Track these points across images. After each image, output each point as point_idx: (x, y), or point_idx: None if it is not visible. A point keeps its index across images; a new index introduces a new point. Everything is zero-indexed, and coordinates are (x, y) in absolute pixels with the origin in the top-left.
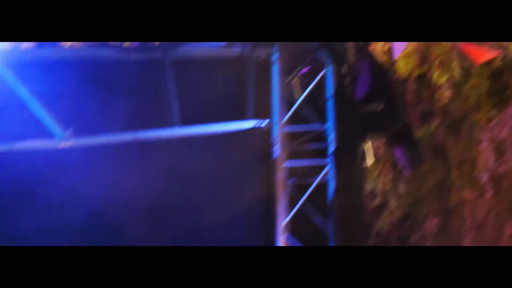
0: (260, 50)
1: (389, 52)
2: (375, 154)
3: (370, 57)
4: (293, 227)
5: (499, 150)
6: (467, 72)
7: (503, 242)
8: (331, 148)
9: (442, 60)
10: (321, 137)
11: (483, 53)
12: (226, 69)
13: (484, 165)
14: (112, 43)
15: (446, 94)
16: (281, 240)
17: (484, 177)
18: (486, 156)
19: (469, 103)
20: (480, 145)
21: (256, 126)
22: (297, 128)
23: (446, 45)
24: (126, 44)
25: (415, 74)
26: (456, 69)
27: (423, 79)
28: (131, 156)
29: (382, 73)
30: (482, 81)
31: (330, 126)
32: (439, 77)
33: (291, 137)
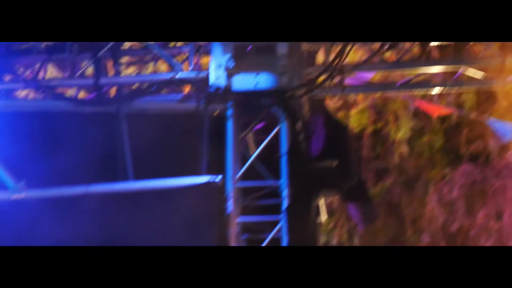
0: (215, 105)
1: (343, 107)
2: (330, 208)
3: (325, 113)
4: None
5: (451, 209)
6: (421, 128)
7: None
8: (285, 204)
9: (398, 116)
10: (275, 193)
11: (439, 109)
12: (181, 123)
13: (436, 223)
14: (67, 95)
15: (401, 150)
16: None
17: (436, 235)
18: (438, 214)
19: (423, 160)
20: (432, 203)
21: (210, 181)
22: (251, 183)
23: (402, 101)
24: (81, 95)
25: (370, 130)
26: (411, 125)
27: (378, 135)
28: (83, 209)
29: (337, 129)
30: (437, 138)
31: (283, 182)
32: (394, 133)
33: (245, 193)
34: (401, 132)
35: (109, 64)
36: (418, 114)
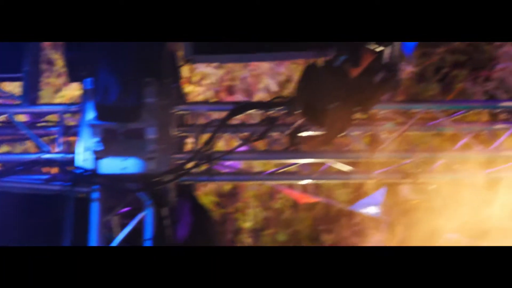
0: (81, 187)
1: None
2: None
3: (192, 199)
4: None
5: None
6: (286, 215)
7: None
8: None
9: (261, 202)
10: None
11: (305, 197)
12: (45, 204)
13: None
14: None
15: (265, 237)
16: None
17: None
18: None
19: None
20: None
21: None
22: None
23: (267, 187)
24: None
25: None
26: (274, 212)
27: (240, 220)
28: None
29: (203, 214)
30: (302, 226)
31: None
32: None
33: None
34: (262, 218)
35: None
36: (283, 200)
